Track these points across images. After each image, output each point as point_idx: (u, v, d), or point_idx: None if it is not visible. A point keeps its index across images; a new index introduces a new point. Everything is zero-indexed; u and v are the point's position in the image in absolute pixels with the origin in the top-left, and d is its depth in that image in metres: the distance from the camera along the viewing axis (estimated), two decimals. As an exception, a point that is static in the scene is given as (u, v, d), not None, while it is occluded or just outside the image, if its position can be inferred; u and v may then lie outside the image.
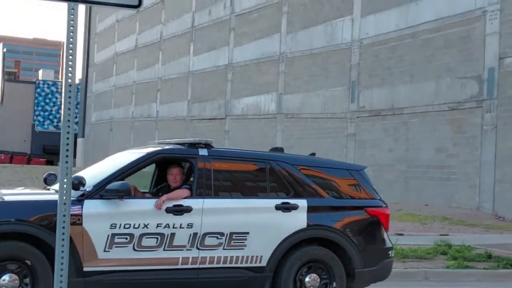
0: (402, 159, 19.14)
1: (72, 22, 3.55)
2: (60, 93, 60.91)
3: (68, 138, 3.48)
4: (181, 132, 32.87)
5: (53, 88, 62.08)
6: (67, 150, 3.56)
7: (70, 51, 3.44)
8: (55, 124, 60.73)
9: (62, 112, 3.47)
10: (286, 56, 25.19)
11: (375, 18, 20.56)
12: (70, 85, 3.48)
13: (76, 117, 58.68)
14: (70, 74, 3.47)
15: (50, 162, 58.11)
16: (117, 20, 45.24)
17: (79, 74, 56.03)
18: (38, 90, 61.91)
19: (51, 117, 61.74)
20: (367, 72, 20.88)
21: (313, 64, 23.56)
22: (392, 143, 19.61)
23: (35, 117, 61.62)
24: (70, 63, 3.42)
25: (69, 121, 3.49)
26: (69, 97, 3.44)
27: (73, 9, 3.65)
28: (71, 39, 3.49)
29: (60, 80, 67.53)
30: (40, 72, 72.48)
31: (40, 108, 61.68)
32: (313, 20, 23.65)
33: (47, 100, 61.91)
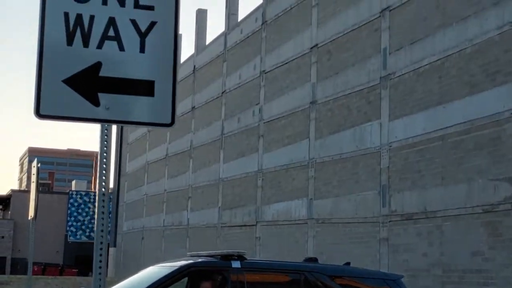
0: (437, 264, 18.72)
1: (105, 142, 3.63)
2: (93, 203, 61.59)
3: (101, 262, 3.46)
4: (212, 240, 32.69)
5: (86, 199, 62.70)
6: (100, 272, 3.54)
7: (104, 172, 3.49)
8: (87, 234, 60.92)
9: (96, 229, 3.49)
10: (315, 161, 25.27)
11: (403, 122, 20.68)
12: (103, 201, 3.50)
13: (108, 227, 58.95)
14: (103, 189, 3.51)
15: (82, 273, 57.95)
16: (148, 131, 46.14)
17: (111, 184, 56.73)
18: (71, 200, 62.58)
19: (83, 227, 62.04)
20: (397, 175, 20.79)
21: (342, 168, 23.57)
22: (426, 247, 19.24)
23: (68, 228, 61.94)
24: (103, 183, 3.46)
25: (101, 248, 3.49)
26: (102, 218, 3.46)
27: (106, 129, 3.74)
28: (104, 160, 3.55)
29: (92, 190, 68.27)
30: (73, 182, 73.54)
31: (73, 218, 62.12)
32: (341, 125, 23.85)
33: (80, 210, 62.43)
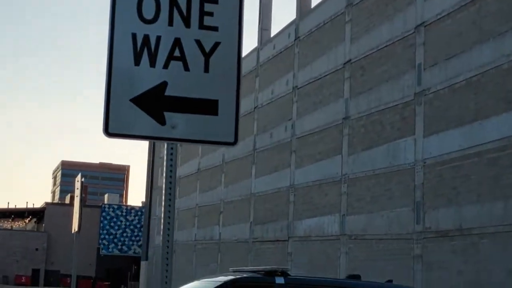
0: (472, 282, 18.52)
1: (171, 160, 3.70)
2: (125, 217, 61.99)
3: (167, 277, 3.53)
4: (243, 255, 32.70)
5: (118, 212, 63.10)
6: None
7: (169, 196, 3.55)
8: (119, 247, 61.25)
9: (162, 245, 3.55)
10: (348, 177, 25.20)
11: (438, 138, 20.57)
12: (169, 217, 3.57)
13: (139, 240, 59.20)
14: (169, 206, 3.57)
15: (113, 285, 58.27)
16: (180, 145, 46.33)
17: (142, 198, 57.12)
18: (104, 214, 63.05)
19: (115, 240, 62.40)
20: (432, 192, 20.64)
21: (376, 184, 23.47)
22: (461, 265, 19.05)
23: (100, 241, 62.35)
24: (169, 210, 3.52)
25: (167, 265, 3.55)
26: (168, 234, 3.52)
27: (172, 148, 3.81)
28: (170, 176, 3.62)
29: (124, 204, 68.69)
30: (106, 196, 74.15)
31: (105, 231, 62.53)
32: (374, 141, 23.78)
33: (112, 224, 62.82)
